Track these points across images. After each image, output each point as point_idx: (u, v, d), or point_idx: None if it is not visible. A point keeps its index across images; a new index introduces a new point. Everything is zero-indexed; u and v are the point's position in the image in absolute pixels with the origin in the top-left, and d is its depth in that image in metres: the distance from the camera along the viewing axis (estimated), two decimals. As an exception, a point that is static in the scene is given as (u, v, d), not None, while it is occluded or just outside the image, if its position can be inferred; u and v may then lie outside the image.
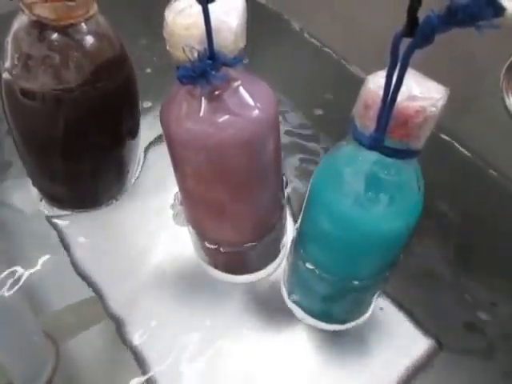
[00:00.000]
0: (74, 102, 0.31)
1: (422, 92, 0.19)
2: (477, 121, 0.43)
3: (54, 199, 0.40)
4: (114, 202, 0.40)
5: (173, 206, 0.39)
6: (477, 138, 0.43)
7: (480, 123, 0.42)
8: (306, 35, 0.55)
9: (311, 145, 0.45)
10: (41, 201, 0.40)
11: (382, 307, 0.35)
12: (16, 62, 0.30)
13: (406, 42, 0.16)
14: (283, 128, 0.45)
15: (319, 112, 0.48)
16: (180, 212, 0.38)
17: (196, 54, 0.20)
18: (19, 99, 0.31)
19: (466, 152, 0.44)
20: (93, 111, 0.32)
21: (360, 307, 0.32)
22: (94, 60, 0.31)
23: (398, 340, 0.34)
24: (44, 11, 0.28)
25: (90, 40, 0.30)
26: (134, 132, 0.38)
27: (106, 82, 0.32)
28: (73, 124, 0.32)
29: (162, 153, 0.41)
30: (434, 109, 0.19)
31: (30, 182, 0.39)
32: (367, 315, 0.34)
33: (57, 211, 0.40)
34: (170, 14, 0.21)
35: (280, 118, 0.27)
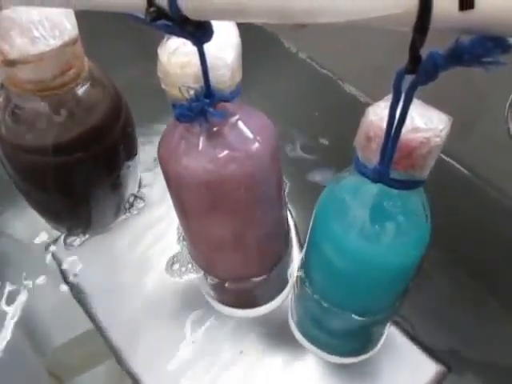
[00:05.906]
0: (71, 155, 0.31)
1: (425, 123, 0.18)
2: (479, 144, 0.42)
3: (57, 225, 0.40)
4: (112, 228, 0.40)
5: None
6: (480, 161, 0.42)
7: (482, 146, 0.42)
8: (302, 56, 0.54)
9: (312, 172, 0.44)
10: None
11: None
12: (6, 119, 0.30)
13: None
14: (281, 155, 0.44)
15: (319, 138, 0.47)
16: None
17: (193, 93, 0.20)
18: (14, 154, 0.31)
19: (468, 173, 0.43)
20: (90, 158, 0.32)
21: (369, 341, 0.31)
22: (90, 113, 0.30)
23: (406, 366, 0.33)
24: (29, 89, 0.27)
25: (83, 97, 0.30)
26: (131, 165, 0.38)
27: (104, 138, 0.32)
28: (70, 172, 0.32)
29: (158, 183, 0.41)
30: (438, 139, 0.18)
31: (27, 210, 0.39)
32: (377, 348, 0.33)
33: (55, 238, 0.40)
34: (163, 54, 0.20)
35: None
